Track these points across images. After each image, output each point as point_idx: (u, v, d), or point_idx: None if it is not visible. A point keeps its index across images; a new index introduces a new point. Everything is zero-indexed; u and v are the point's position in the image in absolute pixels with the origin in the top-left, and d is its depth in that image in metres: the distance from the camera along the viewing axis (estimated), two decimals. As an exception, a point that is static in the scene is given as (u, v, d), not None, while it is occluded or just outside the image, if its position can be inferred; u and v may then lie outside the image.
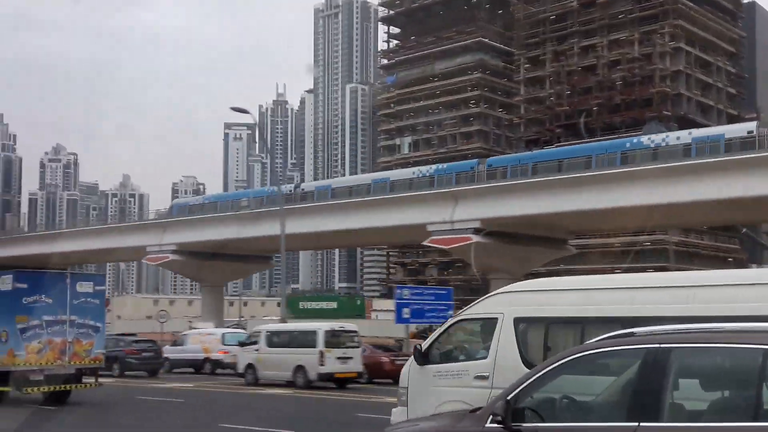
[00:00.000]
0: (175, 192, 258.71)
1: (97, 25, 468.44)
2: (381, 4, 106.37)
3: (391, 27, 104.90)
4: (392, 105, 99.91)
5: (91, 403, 17.48)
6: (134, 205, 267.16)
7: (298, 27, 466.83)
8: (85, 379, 17.10)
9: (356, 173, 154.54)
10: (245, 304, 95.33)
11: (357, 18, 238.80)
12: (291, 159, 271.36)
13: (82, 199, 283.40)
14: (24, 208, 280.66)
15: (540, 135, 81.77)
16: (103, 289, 17.81)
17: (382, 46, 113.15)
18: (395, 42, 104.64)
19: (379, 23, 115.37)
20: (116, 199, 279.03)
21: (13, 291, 15.96)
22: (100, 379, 17.57)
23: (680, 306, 7.06)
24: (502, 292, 8.68)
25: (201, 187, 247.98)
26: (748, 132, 42.57)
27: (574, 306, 7.76)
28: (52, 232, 74.38)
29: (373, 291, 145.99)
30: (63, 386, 16.63)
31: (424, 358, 8.73)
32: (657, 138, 45.85)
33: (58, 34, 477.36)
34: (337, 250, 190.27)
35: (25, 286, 16.01)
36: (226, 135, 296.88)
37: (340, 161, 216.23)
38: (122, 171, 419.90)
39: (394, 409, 9.01)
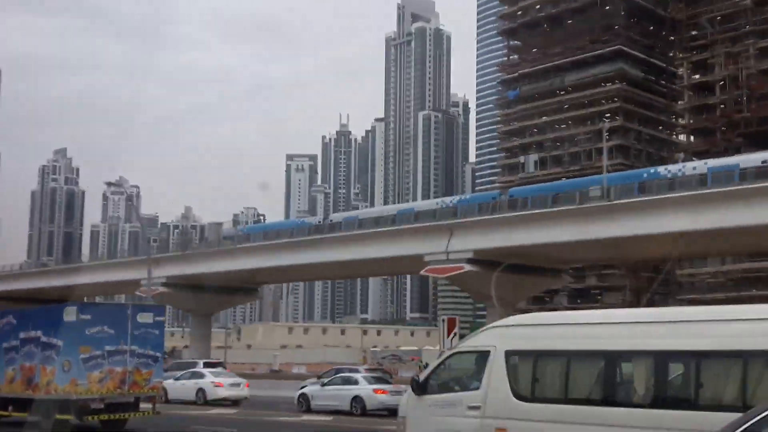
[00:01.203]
0: (236, 223, 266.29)
1: (159, 64, 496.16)
2: (501, 17, 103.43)
3: (511, 41, 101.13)
4: (513, 122, 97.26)
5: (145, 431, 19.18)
6: (196, 236, 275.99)
7: (358, 59, 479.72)
8: (142, 407, 18.83)
9: (429, 199, 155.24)
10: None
11: (430, 45, 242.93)
12: (354, 189, 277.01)
13: (143, 231, 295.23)
14: (86, 239, 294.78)
15: (711, 146, 76.27)
16: (163, 319, 19.54)
17: (496, 60, 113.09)
18: (514, 55, 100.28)
19: (499, 36, 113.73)
20: (177, 230, 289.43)
21: (77, 322, 17.81)
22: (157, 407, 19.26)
23: (657, 341, 7.80)
24: (495, 326, 9.57)
25: (261, 218, 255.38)
26: (762, 162, 44.71)
27: (561, 340, 8.58)
28: (69, 266, 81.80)
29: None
30: (122, 415, 18.35)
31: (421, 388, 9.56)
32: (674, 168, 49.54)
33: (120, 73, 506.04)
34: (408, 278, 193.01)
35: (88, 317, 17.87)
36: (288, 166, 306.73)
37: (411, 188, 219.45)
38: (184, 203, 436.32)
39: None
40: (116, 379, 18.10)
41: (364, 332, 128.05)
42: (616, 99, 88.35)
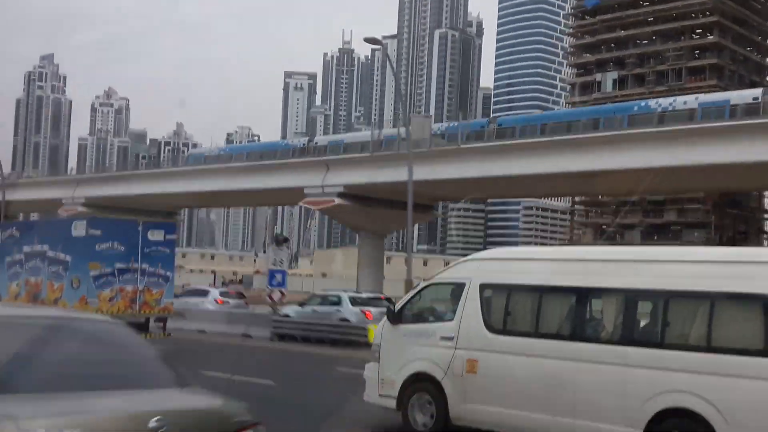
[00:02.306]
0: (229, 143, 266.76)
1: None
2: None
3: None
4: (585, 36, 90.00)
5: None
6: (186, 153, 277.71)
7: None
8: (152, 328, 19.18)
9: (441, 122, 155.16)
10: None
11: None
12: (355, 111, 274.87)
13: (132, 147, 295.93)
14: (73, 152, 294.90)
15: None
16: (174, 237, 19.80)
17: None
18: None
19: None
20: (169, 147, 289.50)
21: (86, 237, 18.02)
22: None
23: (629, 279, 8.28)
24: (470, 259, 10.19)
25: (256, 138, 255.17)
26: (753, 98, 46.61)
27: (533, 275, 9.09)
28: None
29: (458, 253, 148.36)
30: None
31: (396, 317, 10.05)
32: (665, 102, 50.30)
33: None
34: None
35: (98, 232, 18.05)
36: (287, 84, 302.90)
37: (423, 110, 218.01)
38: (175, 119, 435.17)
39: (367, 365, 10.41)
40: (127, 298, 18.39)
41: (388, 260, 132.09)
42: (710, 13, 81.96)
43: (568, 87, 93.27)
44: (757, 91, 49.99)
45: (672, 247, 10.48)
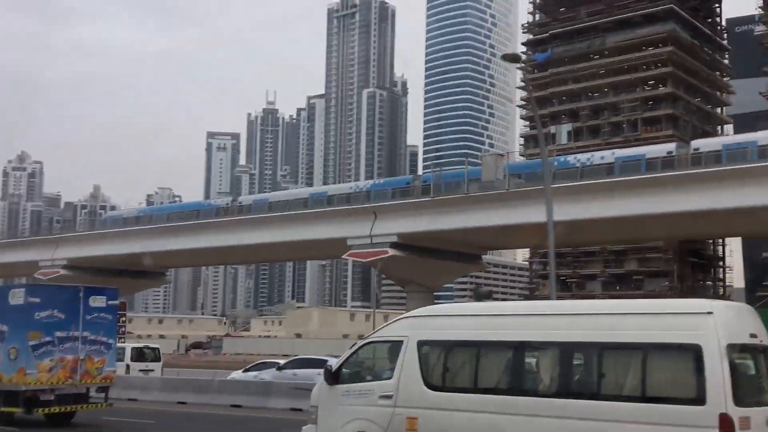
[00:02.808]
0: (150, 203, 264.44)
1: (59, 36, 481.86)
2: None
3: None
4: (536, 90, 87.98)
5: (96, 425, 19.08)
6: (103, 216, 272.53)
7: (291, 30, 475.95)
8: (94, 398, 18.62)
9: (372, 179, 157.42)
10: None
11: (375, 18, 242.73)
12: (280, 170, 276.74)
13: (46, 211, 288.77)
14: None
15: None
16: (116, 303, 19.38)
17: (524, 19, 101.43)
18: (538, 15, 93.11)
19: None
20: (85, 210, 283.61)
21: (25, 305, 17.50)
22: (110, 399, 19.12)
23: (563, 332, 8.60)
24: (407, 317, 10.40)
25: (178, 199, 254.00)
26: (668, 152, 50.74)
27: (470, 330, 9.39)
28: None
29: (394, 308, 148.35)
30: (72, 407, 18.12)
31: (333, 377, 10.21)
32: (582, 157, 53.63)
33: (20, 46, 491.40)
34: (350, 264, 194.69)
35: (38, 300, 17.57)
36: (209, 145, 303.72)
37: (354, 169, 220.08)
38: (93, 182, 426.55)
39: (304, 427, 10.48)
40: (67, 368, 17.86)
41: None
42: (662, 64, 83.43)
43: (522, 140, 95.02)
44: (671, 146, 53.51)
45: (605, 300, 10.84)
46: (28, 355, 17.32)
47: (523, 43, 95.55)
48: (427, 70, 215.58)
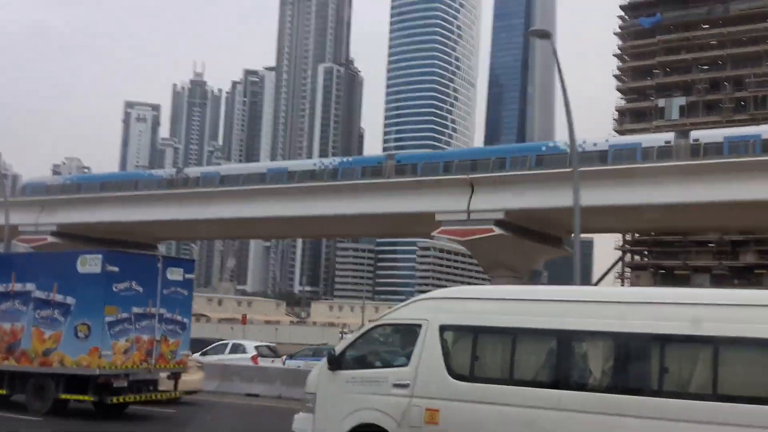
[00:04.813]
0: (56, 174, 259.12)
1: None
2: None
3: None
4: (636, 59, 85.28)
5: (152, 417, 17.44)
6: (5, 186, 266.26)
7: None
8: (163, 387, 17.00)
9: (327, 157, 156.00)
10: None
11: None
12: (207, 146, 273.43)
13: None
14: None
15: None
16: (193, 277, 17.63)
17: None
18: None
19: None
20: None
21: (102, 275, 15.64)
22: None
23: (609, 322, 8.31)
24: (425, 299, 9.95)
25: (86, 170, 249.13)
26: (666, 142, 50.38)
27: (506, 316, 8.96)
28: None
29: (349, 297, 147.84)
30: (143, 396, 16.44)
31: (336, 362, 9.75)
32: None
33: None
34: (299, 244, 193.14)
35: (116, 269, 15.72)
36: (127, 114, 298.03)
37: (306, 148, 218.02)
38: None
39: (297, 416, 9.99)
40: (142, 349, 16.14)
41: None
42: None
43: (616, 114, 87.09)
44: (670, 135, 53.23)
45: (665, 288, 10.52)
46: (103, 334, 15.43)
47: (622, 6, 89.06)
48: (391, 47, 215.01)
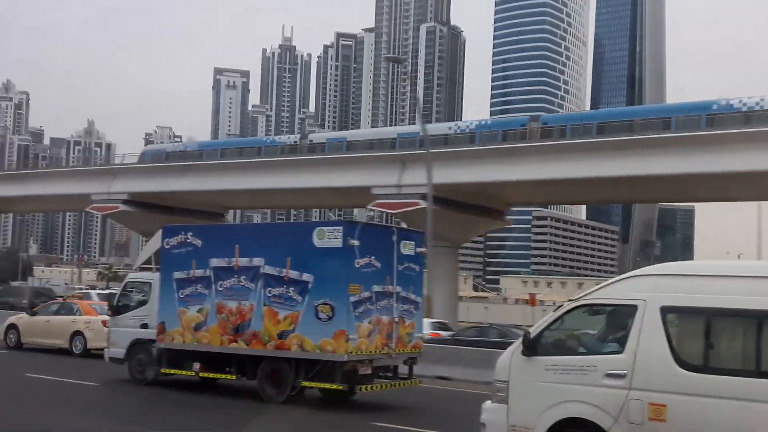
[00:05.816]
0: (149, 143, 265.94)
1: None
2: None
3: None
4: None
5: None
6: (100, 155, 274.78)
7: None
8: (400, 374, 16.34)
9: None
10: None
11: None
12: (299, 113, 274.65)
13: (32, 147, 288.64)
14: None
15: None
16: (424, 251, 16.73)
17: None
18: None
19: None
20: (79, 147, 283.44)
21: (344, 249, 14.72)
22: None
23: None
24: (643, 275, 8.90)
25: (178, 139, 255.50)
26: None
27: (749, 297, 8.01)
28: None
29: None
30: (391, 384, 15.77)
31: (532, 347, 9.00)
32: (750, 101, 48.71)
33: None
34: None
35: (357, 243, 14.83)
36: (217, 82, 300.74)
37: (408, 113, 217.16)
38: (85, 116, 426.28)
39: (485, 405, 9.32)
40: (383, 332, 15.26)
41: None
42: None
43: None
44: None
45: None
46: (348, 315, 14.55)
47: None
48: (497, 4, 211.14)
